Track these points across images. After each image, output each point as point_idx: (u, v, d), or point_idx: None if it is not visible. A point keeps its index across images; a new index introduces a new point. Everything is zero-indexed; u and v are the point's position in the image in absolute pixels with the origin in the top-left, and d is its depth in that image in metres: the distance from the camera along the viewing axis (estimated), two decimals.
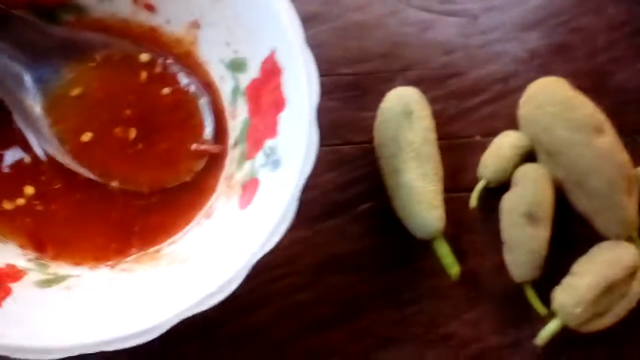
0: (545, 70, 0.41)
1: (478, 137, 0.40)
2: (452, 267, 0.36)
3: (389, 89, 0.39)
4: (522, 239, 0.36)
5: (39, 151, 0.34)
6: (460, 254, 0.37)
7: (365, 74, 0.40)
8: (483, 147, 0.39)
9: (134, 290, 0.30)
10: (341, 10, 0.41)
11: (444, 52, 0.41)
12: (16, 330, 0.27)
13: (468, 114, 0.40)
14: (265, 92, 0.32)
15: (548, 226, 0.36)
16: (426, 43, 0.41)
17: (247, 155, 0.33)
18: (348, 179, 0.38)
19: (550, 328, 0.35)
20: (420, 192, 0.35)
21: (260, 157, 0.32)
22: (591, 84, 0.40)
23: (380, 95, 0.39)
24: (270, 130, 0.31)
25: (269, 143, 0.32)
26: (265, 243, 0.28)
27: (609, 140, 0.36)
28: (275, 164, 0.31)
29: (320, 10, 0.41)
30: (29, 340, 0.27)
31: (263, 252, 0.28)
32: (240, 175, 0.33)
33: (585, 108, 0.36)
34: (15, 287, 0.29)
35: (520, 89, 0.39)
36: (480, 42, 0.42)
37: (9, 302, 0.28)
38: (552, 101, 0.37)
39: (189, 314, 0.27)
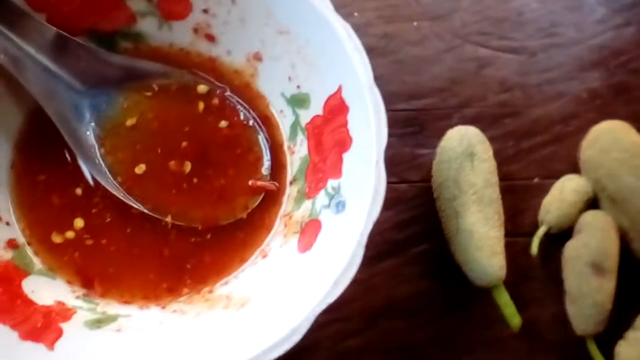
0: (605, 111, 0.40)
1: (537, 180, 0.38)
2: (514, 317, 0.34)
3: (446, 126, 0.38)
4: (587, 291, 0.34)
5: (91, 182, 0.33)
6: (518, 302, 0.35)
7: (422, 110, 0.39)
8: (542, 190, 0.37)
9: (187, 336, 0.28)
10: (398, 45, 0.40)
11: (502, 90, 0.40)
12: None
13: (526, 155, 0.39)
14: (329, 130, 0.31)
15: (614, 277, 0.35)
16: (483, 80, 0.40)
17: (306, 194, 0.32)
18: (404, 219, 0.37)
19: None
20: (481, 238, 0.34)
21: (322, 197, 0.31)
22: None
23: (437, 132, 0.38)
24: (334, 169, 0.30)
25: (332, 183, 0.30)
26: (330, 292, 0.27)
27: None
28: (340, 206, 0.29)
29: (378, 45, 0.40)
30: None
31: (327, 302, 0.27)
32: (299, 214, 0.32)
33: None
34: (65, 327, 0.28)
35: (581, 130, 0.38)
36: (539, 80, 0.40)
37: (61, 344, 0.27)
38: (618, 146, 0.36)
39: None
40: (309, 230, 0.30)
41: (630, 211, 0.35)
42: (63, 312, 0.29)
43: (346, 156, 0.30)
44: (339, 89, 0.30)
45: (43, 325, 0.27)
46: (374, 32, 0.41)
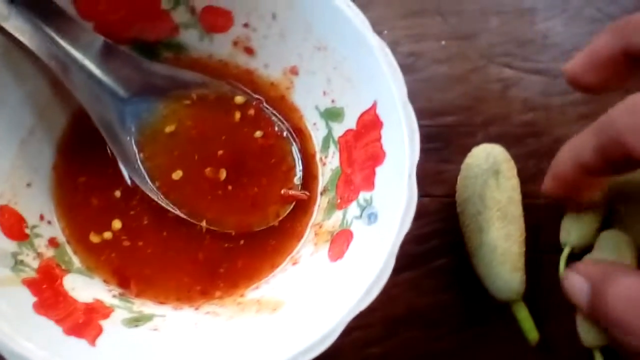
0: None
1: None
2: (531, 332, 0.35)
3: (470, 143, 0.39)
4: None
5: (130, 186, 0.34)
6: (536, 317, 0.36)
7: (447, 127, 0.40)
8: (562, 209, 0.39)
9: (222, 338, 0.29)
10: (426, 63, 0.41)
11: (525, 110, 0.41)
12: None
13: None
14: (361, 144, 0.32)
15: None
16: (508, 100, 0.41)
17: (337, 205, 0.33)
18: (426, 232, 0.38)
19: None
20: (503, 253, 0.35)
21: (353, 208, 0.32)
22: None
23: (462, 148, 0.39)
24: (367, 182, 0.31)
25: (364, 195, 0.31)
26: (362, 300, 0.28)
27: None
28: (372, 217, 0.30)
29: (405, 62, 0.41)
30: None
31: (358, 310, 0.28)
32: (330, 224, 0.33)
33: None
34: (105, 325, 0.29)
35: None
36: (562, 102, 0.42)
37: (102, 340, 0.28)
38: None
39: None
40: (340, 239, 0.31)
41: None
42: (102, 310, 0.30)
43: (379, 170, 0.31)
44: (374, 105, 0.31)
45: (84, 322, 0.28)
46: (402, 50, 0.42)
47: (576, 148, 0.31)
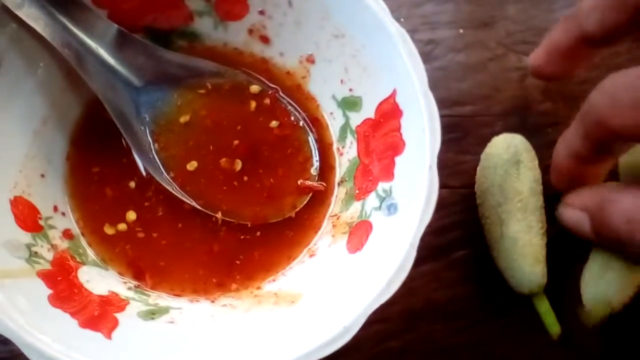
0: None
1: None
2: (553, 326, 0.34)
3: (489, 133, 0.38)
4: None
5: (144, 176, 0.33)
6: (558, 311, 0.35)
7: (465, 117, 0.40)
8: None
9: (239, 330, 0.29)
10: (443, 51, 0.40)
11: (545, 99, 0.40)
12: None
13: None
14: (380, 133, 0.31)
15: None
16: (526, 89, 0.40)
17: (355, 196, 0.32)
18: (445, 224, 0.37)
19: None
20: (525, 245, 0.34)
21: (372, 199, 0.31)
22: None
23: (480, 139, 0.38)
24: (386, 173, 0.31)
25: (383, 186, 0.31)
26: (383, 292, 0.27)
27: None
28: (391, 208, 0.30)
29: (423, 51, 0.40)
30: None
31: (379, 303, 0.27)
32: (348, 215, 0.32)
33: None
34: (120, 317, 0.28)
35: None
36: (581, 91, 0.41)
37: (118, 333, 0.27)
38: None
39: None
40: (359, 231, 0.31)
41: None
42: (117, 303, 0.29)
43: (399, 159, 0.30)
44: (393, 93, 0.30)
45: (100, 315, 0.28)
46: (419, 38, 0.41)
47: (567, 139, 0.31)
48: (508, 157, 0.35)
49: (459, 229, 0.38)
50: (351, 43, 0.32)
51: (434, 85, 0.41)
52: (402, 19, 0.41)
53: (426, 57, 0.41)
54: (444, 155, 0.39)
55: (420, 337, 0.36)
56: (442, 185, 0.39)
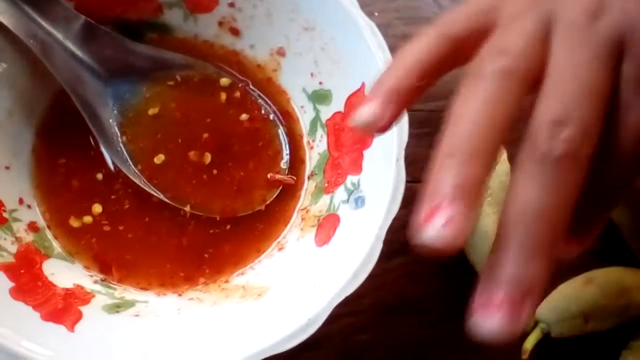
0: None
1: None
2: None
3: None
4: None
5: (112, 169, 0.33)
6: None
7: (437, 112, 0.39)
8: None
9: (205, 324, 0.29)
10: None
11: None
12: (88, 356, 0.26)
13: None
14: (349, 127, 0.31)
15: None
16: None
17: (325, 189, 0.32)
18: None
19: None
20: None
21: (340, 192, 0.31)
22: None
23: None
24: (354, 166, 0.31)
25: (351, 179, 0.31)
26: (348, 284, 0.27)
27: None
28: (359, 201, 0.30)
29: (397, 45, 0.40)
30: None
31: (344, 295, 0.27)
32: (317, 208, 0.32)
33: None
34: (85, 310, 0.28)
35: None
36: None
37: (81, 326, 0.27)
38: None
39: (264, 355, 0.26)
40: (327, 224, 0.31)
41: None
42: (82, 296, 0.29)
43: (367, 153, 0.30)
44: (362, 87, 0.30)
45: (63, 308, 0.28)
46: (393, 33, 0.41)
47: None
48: None
49: None
50: (321, 36, 0.32)
51: None
52: (376, 13, 0.41)
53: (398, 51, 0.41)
54: (416, 149, 0.40)
55: (391, 331, 0.36)
56: (415, 180, 0.39)
